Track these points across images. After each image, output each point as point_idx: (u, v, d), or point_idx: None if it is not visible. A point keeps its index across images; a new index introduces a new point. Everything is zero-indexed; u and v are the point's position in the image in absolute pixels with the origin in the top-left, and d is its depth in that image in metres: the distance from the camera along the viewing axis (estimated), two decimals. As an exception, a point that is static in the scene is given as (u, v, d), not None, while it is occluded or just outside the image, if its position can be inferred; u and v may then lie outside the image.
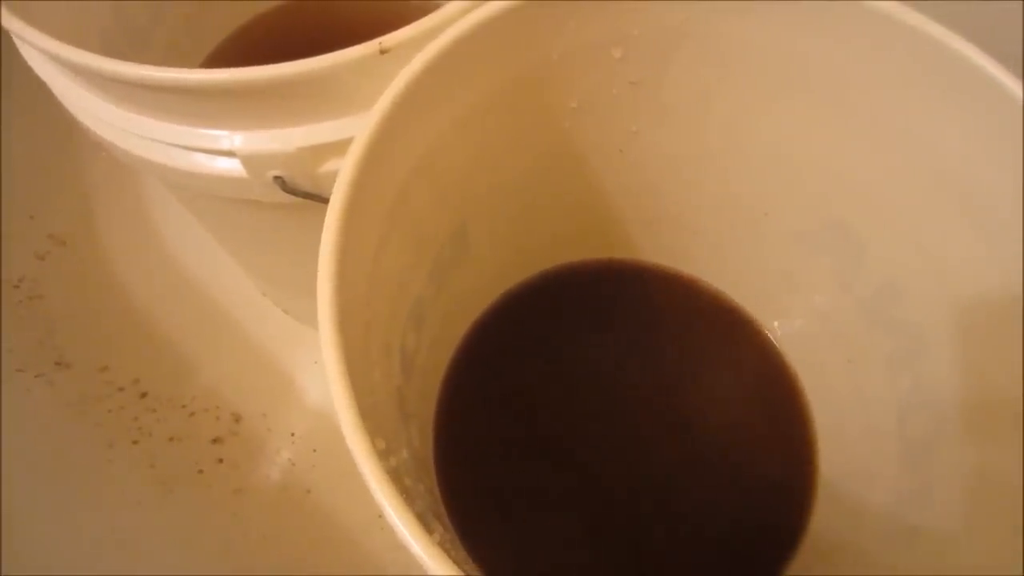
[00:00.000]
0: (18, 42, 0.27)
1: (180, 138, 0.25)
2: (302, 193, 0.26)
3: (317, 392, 0.43)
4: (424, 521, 0.17)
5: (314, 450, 0.42)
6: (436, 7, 0.44)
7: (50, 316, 0.44)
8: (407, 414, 0.27)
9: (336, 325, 0.18)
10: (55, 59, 0.23)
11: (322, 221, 0.28)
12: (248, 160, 0.25)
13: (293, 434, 0.42)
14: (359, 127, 0.23)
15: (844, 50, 0.24)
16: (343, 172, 0.20)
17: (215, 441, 0.41)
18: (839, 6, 0.23)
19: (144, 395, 0.42)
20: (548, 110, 0.28)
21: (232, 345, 0.45)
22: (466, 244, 0.30)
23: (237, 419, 0.42)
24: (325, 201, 0.27)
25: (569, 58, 0.26)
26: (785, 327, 0.35)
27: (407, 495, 0.18)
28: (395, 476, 0.18)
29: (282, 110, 0.23)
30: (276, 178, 0.25)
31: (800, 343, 0.35)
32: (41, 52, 0.23)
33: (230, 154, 0.25)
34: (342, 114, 0.24)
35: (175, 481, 0.40)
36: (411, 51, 0.22)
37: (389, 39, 0.21)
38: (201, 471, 0.40)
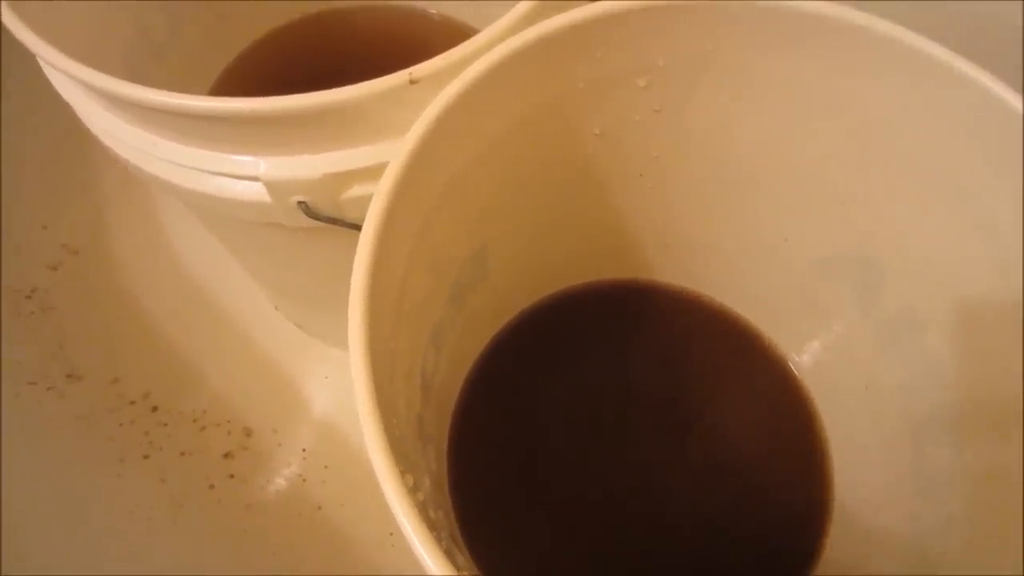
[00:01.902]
0: (41, 62, 0.27)
1: (204, 162, 0.25)
2: (325, 218, 0.26)
3: (328, 406, 0.43)
4: (451, 557, 0.17)
5: (325, 466, 0.42)
6: (458, 23, 0.44)
7: (61, 328, 0.44)
8: (426, 438, 0.27)
9: (367, 362, 0.18)
10: (80, 83, 0.23)
11: (342, 244, 0.28)
12: (272, 186, 0.25)
13: (304, 449, 0.42)
14: (388, 154, 0.23)
15: (868, 80, 0.24)
16: (376, 201, 0.20)
17: (226, 456, 0.41)
18: (863, 38, 0.23)
19: (155, 409, 0.42)
20: (572, 136, 0.28)
21: (243, 358, 0.45)
22: (485, 266, 0.30)
23: (248, 433, 0.42)
24: (347, 226, 0.27)
25: (594, 86, 0.26)
26: (802, 351, 0.35)
27: (434, 530, 0.18)
28: (423, 512, 0.18)
29: (309, 137, 0.23)
30: (300, 203, 0.25)
31: (817, 368, 0.35)
32: (65, 75, 0.23)
33: (254, 179, 0.25)
34: (369, 141, 0.24)
35: (186, 496, 0.40)
36: (440, 81, 0.22)
37: (419, 70, 0.21)
38: (212, 486, 0.40)
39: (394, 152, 0.21)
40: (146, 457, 0.40)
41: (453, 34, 0.45)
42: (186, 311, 0.45)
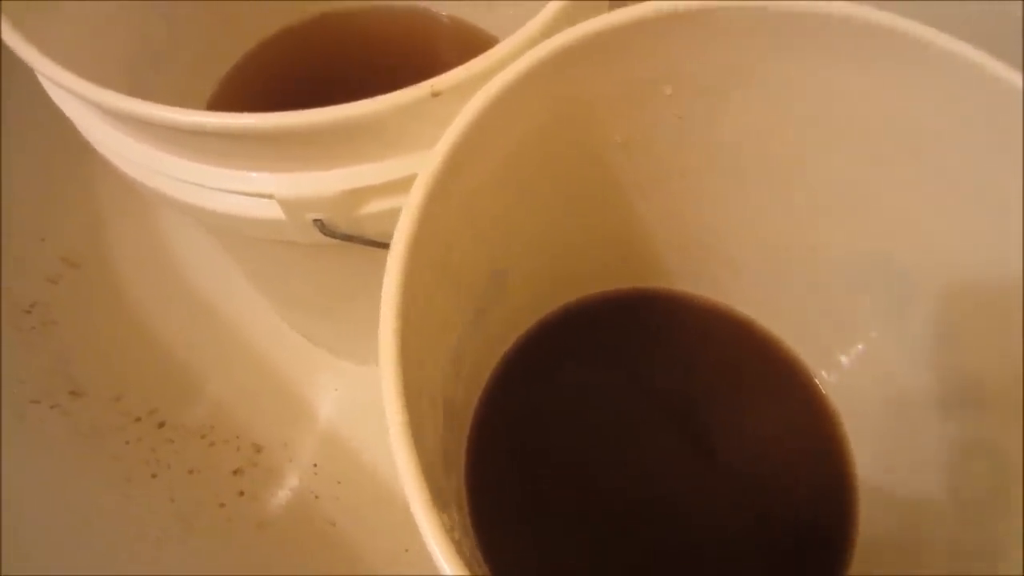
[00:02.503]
0: (41, 77, 0.26)
1: (215, 180, 0.24)
2: (341, 235, 0.25)
3: (338, 420, 0.42)
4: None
5: (338, 481, 0.41)
6: (467, 25, 0.43)
7: (63, 343, 0.43)
8: (448, 465, 0.26)
9: (401, 393, 0.17)
10: (85, 101, 0.22)
11: (355, 259, 0.27)
12: (287, 204, 0.24)
13: (315, 465, 0.41)
14: (407, 168, 0.22)
15: (905, 91, 0.23)
16: (405, 216, 0.19)
17: (236, 473, 0.40)
18: (896, 47, 0.22)
19: (161, 425, 0.41)
20: (592, 145, 0.27)
21: (250, 371, 0.44)
22: (505, 283, 0.29)
23: (258, 449, 0.41)
24: (364, 242, 0.26)
25: (619, 94, 0.25)
26: (828, 366, 0.34)
27: (468, 566, 0.17)
28: (460, 550, 0.17)
29: (325, 153, 0.22)
30: (315, 221, 0.24)
31: (844, 384, 0.34)
32: (65, 90, 0.22)
33: (267, 197, 0.24)
34: (386, 156, 0.23)
35: (196, 516, 0.39)
36: (463, 93, 0.21)
37: (441, 82, 0.20)
38: (222, 504, 0.39)
39: (420, 165, 0.20)
40: (154, 476, 0.39)
41: (462, 36, 0.44)
42: (190, 324, 0.44)
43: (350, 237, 0.25)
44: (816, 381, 0.34)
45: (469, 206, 0.23)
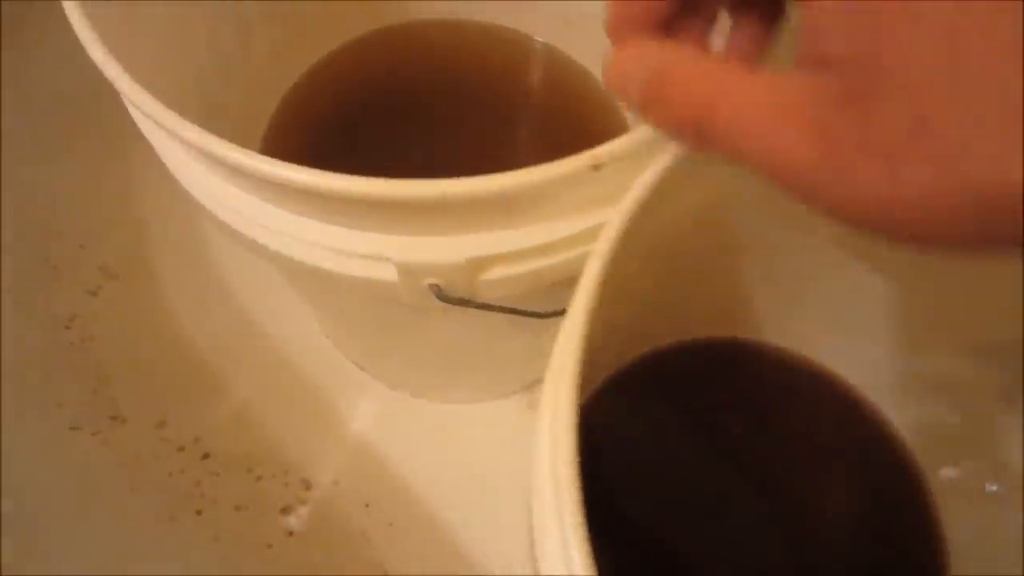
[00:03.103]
0: (129, 105, 0.23)
1: (323, 237, 0.21)
2: (455, 300, 0.23)
3: (393, 455, 0.40)
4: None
5: (390, 523, 0.39)
6: (534, 42, 0.40)
7: (103, 361, 0.40)
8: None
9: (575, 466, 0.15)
10: (193, 148, 0.19)
11: (456, 317, 0.25)
12: (404, 268, 0.21)
13: (367, 504, 0.39)
14: (543, 236, 0.20)
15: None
16: (582, 292, 0.17)
17: (284, 511, 0.38)
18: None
19: (206, 456, 0.39)
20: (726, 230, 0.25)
21: (299, 400, 0.41)
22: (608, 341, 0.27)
23: (307, 486, 0.39)
24: (477, 306, 0.23)
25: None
26: (922, 431, 0.32)
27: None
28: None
29: (456, 220, 0.20)
30: (432, 286, 0.22)
31: (934, 445, 0.32)
32: (175, 138, 0.19)
33: (382, 259, 0.21)
34: (525, 224, 0.21)
35: (243, 558, 0.36)
36: (622, 166, 0.19)
37: (602, 156, 0.18)
38: (270, 545, 0.37)
39: (553, 232, 0.19)
40: (199, 513, 0.37)
41: (532, 53, 0.41)
42: (236, 345, 0.42)
43: (465, 302, 0.23)
44: (904, 441, 0.32)
45: (625, 276, 0.21)
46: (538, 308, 0.26)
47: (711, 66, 0.15)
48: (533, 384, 0.41)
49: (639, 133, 0.19)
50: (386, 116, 0.39)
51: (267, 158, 0.18)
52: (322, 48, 0.38)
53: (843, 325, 0.32)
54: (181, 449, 0.39)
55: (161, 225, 0.45)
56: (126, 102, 0.23)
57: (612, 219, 0.17)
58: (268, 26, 0.34)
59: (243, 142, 0.35)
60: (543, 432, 0.17)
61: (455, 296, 0.22)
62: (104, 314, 0.42)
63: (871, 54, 0.12)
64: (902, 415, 0.33)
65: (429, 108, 0.41)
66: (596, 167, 0.18)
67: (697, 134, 0.15)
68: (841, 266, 0.28)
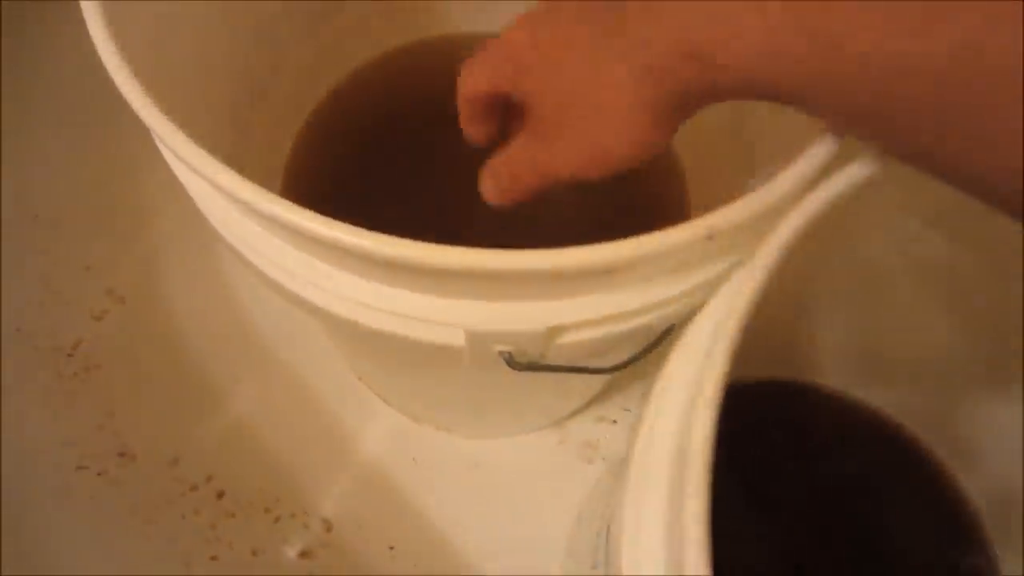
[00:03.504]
0: (158, 141, 0.21)
1: (384, 300, 0.19)
2: (524, 366, 0.20)
3: (418, 494, 0.38)
4: None
5: (415, 566, 0.36)
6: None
7: (109, 392, 0.38)
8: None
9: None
10: (243, 205, 0.17)
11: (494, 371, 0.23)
12: (475, 336, 0.19)
13: (392, 547, 0.37)
14: (635, 302, 0.18)
15: None
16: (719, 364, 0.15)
17: (303, 555, 0.36)
18: None
19: (221, 495, 0.37)
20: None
21: (318, 432, 0.39)
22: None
23: (328, 527, 0.37)
24: (543, 368, 0.21)
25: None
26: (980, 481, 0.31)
27: None
28: None
29: (545, 287, 0.18)
30: (502, 353, 0.20)
31: (998, 509, 0.31)
32: (211, 183, 0.17)
33: (452, 326, 0.19)
34: (616, 289, 0.18)
35: (262, 608, 0.34)
36: (735, 235, 0.17)
37: (719, 224, 0.16)
38: (290, 594, 0.35)
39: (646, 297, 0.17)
40: (214, 559, 0.35)
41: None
42: (251, 376, 0.39)
43: (534, 366, 0.21)
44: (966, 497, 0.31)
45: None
46: (603, 364, 0.24)
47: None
48: (562, 420, 0.40)
49: (753, 202, 0.17)
50: (414, 133, 0.37)
51: (339, 223, 0.16)
52: (350, 65, 0.36)
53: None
54: (194, 488, 0.37)
55: (172, 246, 0.42)
56: (160, 145, 0.20)
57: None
58: (298, 48, 0.32)
59: (269, 163, 0.32)
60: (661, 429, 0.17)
61: (525, 362, 0.20)
62: (110, 340, 0.39)
63: None
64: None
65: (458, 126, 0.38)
66: (711, 237, 0.16)
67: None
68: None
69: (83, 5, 0.18)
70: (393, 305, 0.19)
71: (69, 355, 0.38)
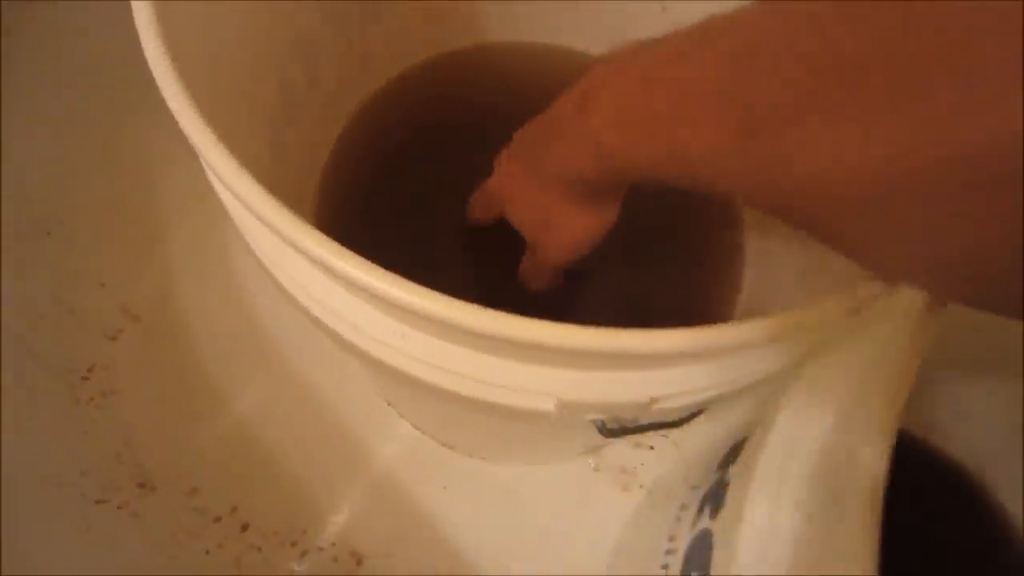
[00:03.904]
0: (208, 170, 0.19)
1: (468, 366, 0.17)
2: (614, 432, 0.19)
3: (451, 523, 0.36)
4: None
5: (450, 602, 0.35)
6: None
7: (126, 418, 0.36)
8: None
9: None
10: (327, 268, 0.15)
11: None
12: (569, 405, 0.17)
13: (424, 583, 0.35)
14: (740, 369, 0.16)
15: None
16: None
17: (334, 591, 0.34)
18: None
19: (245, 528, 0.35)
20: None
21: (347, 460, 0.37)
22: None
23: (358, 560, 0.35)
24: (634, 432, 0.20)
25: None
26: None
27: None
28: None
29: (656, 361, 0.16)
30: (595, 420, 0.18)
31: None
32: (301, 254, 0.15)
33: (542, 394, 0.17)
34: (717, 360, 0.17)
35: (292, 649, 0.33)
36: (878, 309, 0.15)
37: (865, 298, 0.14)
38: (321, 633, 0.33)
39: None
40: (241, 597, 0.33)
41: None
42: (274, 400, 0.38)
43: (626, 431, 0.19)
44: None
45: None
46: (678, 417, 0.23)
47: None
48: (597, 448, 0.38)
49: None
50: (449, 143, 0.35)
51: (433, 292, 0.14)
52: (383, 78, 0.34)
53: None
54: (218, 520, 0.35)
55: (188, 261, 0.40)
56: (215, 181, 0.18)
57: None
58: (334, 60, 0.30)
59: (303, 177, 0.31)
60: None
61: (616, 427, 0.19)
62: (125, 361, 0.37)
63: None
64: None
65: (497, 135, 0.37)
66: (855, 311, 0.14)
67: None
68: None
69: (142, 33, 0.17)
70: (478, 372, 0.17)
71: (84, 378, 0.36)
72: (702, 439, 0.37)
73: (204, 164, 0.16)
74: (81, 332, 0.37)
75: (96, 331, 0.38)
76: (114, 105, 0.38)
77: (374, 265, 0.14)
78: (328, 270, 0.14)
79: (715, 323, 0.16)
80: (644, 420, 0.19)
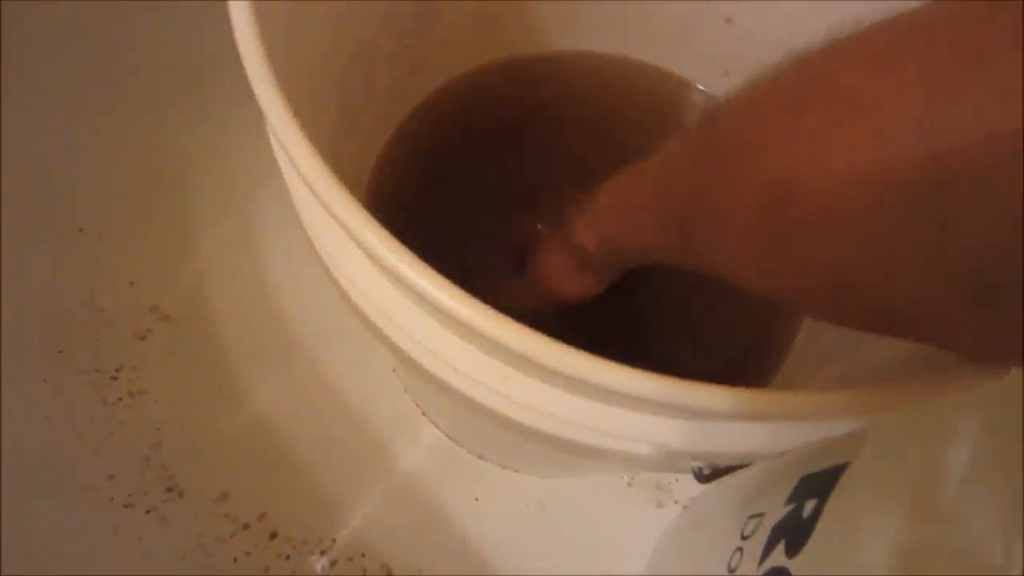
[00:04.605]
0: (295, 189, 0.18)
1: (564, 409, 0.17)
2: (710, 477, 0.18)
3: (482, 538, 0.36)
4: None
5: (480, 617, 0.35)
6: (674, 76, 0.36)
7: (155, 420, 0.35)
8: None
9: None
10: (433, 306, 0.14)
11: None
12: (669, 451, 0.17)
13: (455, 596, 0.35)
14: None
15: None
16: None
17: (364, 603, 0.34)
18: None
19: (274, 536, 0.34)
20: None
21: (377, 468, 0.37)
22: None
23: (388, 573, 0.35)
24: (725, 474, 0.19)
25: None
26: None
27: None
28: None
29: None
30: (695, 467, 0.18)
31: None
32: (403, 284, 0.14)
33: (644, 442, 0.17)
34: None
35: (322, 664, 0.32)
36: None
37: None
38: (351, 648, 0.33)
39: None
40: (271, 608, 0.32)
41: (666, 89, 0.37)
42: (306, 407, 0.37)
43: (716, 476, 0.19)
44: None
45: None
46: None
47: None
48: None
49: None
50: (499, 150, 0.35)
51: (548, 339, 0.14)
52: (436, 83, 0.33)
53: None
54: (246, 526, 0.34)
55: (221, 261, 0.39)
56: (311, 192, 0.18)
57: None
58: (390, 65, 0.29)
59: (354, 182, 0.30)
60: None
61: (710, 473, 0.18)
62: (154, 361, 0.37)
63: None
64: None
65: (549, 145, 0.36)
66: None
67: None
68: None
69: (242, 43, 0.16)
70: (585, 418, 0.17)
71: (113, 378, 0.35)
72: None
73: (318, 200, 0.15)
74: (111, 331, 0.36)
75: (125, 331, 0.37)
76: (149, 105, 0.37)
77: (500, 314, 0.14)
78: (440, 313, 0.14)
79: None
80: (736, 463, 0.19)
